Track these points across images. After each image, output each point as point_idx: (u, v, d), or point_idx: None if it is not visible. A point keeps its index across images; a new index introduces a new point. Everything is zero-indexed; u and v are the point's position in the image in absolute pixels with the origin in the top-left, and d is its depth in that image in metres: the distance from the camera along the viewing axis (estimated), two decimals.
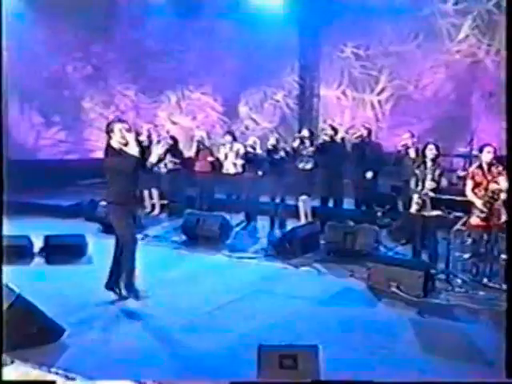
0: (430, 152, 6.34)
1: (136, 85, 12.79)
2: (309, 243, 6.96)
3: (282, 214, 8.01)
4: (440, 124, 10.85)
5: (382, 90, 11.94)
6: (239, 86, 12.48)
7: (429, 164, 6.30)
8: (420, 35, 11.37)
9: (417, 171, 6.36)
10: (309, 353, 3.66)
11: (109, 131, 5.28)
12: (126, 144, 5.24)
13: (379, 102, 11.99)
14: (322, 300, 5.52)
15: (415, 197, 6.28)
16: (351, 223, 7.43)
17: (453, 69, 11.16)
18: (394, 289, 5.71)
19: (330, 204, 8.15)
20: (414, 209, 6.30)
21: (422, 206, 6.22)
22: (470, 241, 6.31)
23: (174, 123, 12.64)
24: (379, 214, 7.60)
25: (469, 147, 9.24)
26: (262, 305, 5.33)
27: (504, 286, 5.72)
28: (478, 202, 5.90)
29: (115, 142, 5.26)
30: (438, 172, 6.26)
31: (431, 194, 6.15)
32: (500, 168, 6.02)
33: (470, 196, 6.03)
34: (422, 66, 11.45)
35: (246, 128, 12.56)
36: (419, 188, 6.29)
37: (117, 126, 5.25)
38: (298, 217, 8.23)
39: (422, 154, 6.46)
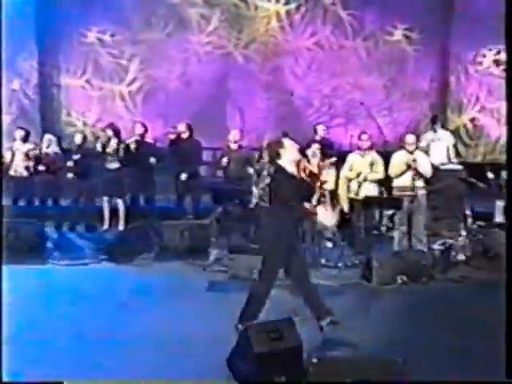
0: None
1: None
2: (143, 243, 7.19)
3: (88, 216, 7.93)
4: (196, 116, 11.81)
5: (133, 80, 12.31)
6: None
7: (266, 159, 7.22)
8: (170, 24, 12.14)
9: (256, 166, 7.22)
10: (289, 324, 4.25)
11: (276, 148, 4.70)
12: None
13: (130, 92, 12.32)
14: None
15: (255, 190, 7.13)
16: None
17: (204, 60, 12.27)
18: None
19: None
20: (254, 202, 7.14)
21: (262, 199, 7.10)
22: None
23: None
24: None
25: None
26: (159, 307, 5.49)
27: (340, 264, 7.02)
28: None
29: (287, 163, 4.75)
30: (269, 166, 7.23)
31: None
32: (327, 162, 7.33)
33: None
34: (174, 56, 12.22)
35: None
36: (255, 180, 7.17)
37: (288, 143, 4.76)
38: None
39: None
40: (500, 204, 8.29)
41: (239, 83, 12.23)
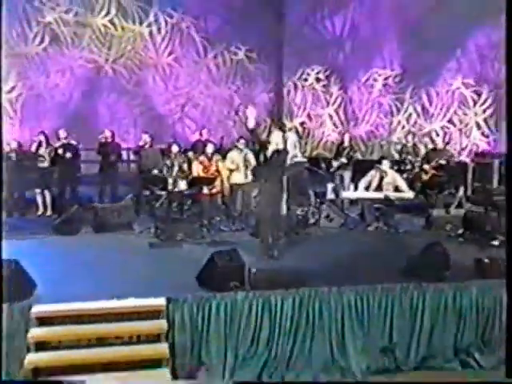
0: (175, 148, 10.51)
1: None
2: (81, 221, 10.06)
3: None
4: (69, 121, 14.42)
5: (11, 90, 14.57)
6: None
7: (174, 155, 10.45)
8: (45, 40, 14.64)
9: (167, 161, 10.40)
10: (235, 252, 7.64)
11: None
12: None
13: (10, 101, 14.58)
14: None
15: (169, 179, 10.29)
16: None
17: (78, 72, 14.94)
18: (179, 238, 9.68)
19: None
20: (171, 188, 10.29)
21: (175, 185, 10.31)
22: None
23: None
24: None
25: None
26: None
27: (234, 228, 10.41)
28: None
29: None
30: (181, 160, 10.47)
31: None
32: (219, 157, 10.74)
33: (200, 175, 10.51)
34: (49, 68, 14.74)
35: None
36: (169, 173, 10.34)
37: None
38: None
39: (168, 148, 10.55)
40: (329, 185, 12.38)
41: (109, 92, 15.10)
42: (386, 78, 14.80)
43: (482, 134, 13.76)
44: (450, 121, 14.09)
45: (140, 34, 15.13)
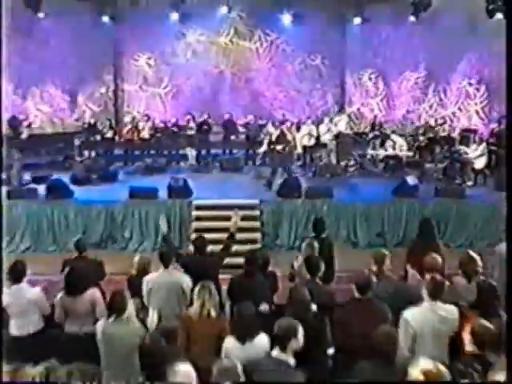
0: (270, 124, 15.96)
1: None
2: (212, 166, 15.76)
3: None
4: (203, 107, 20.02)
5: (166, 87, 20.46)
6: (77, 82, 19.02)
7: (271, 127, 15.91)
8: (188, 54, 20.29)
9: (265, 131, 15.89)
10: (295, 178, 13.02)
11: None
12: None
13: (165, 94, 20.49)
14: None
15: (264, 142, 15.78)
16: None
17: (208, 75, 20.58)
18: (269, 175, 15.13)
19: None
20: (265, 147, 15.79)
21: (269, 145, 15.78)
22: None
23: (38, 110, 18.25)
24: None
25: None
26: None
27: (303, 173, 15.77)
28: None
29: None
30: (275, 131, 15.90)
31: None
32: (294, 128, 16.02)
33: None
34: (190, 72, 20.43)
35: (83, 111, 19.31)
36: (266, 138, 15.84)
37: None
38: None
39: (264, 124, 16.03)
40: (369, 149, 17.30)
41: (228, 88, 20.64)
42: (416, 78, 19.45)
43: (480, 118, 18.15)
44: (459, 108, 18.56)
45: (249, 48, 20.49)
